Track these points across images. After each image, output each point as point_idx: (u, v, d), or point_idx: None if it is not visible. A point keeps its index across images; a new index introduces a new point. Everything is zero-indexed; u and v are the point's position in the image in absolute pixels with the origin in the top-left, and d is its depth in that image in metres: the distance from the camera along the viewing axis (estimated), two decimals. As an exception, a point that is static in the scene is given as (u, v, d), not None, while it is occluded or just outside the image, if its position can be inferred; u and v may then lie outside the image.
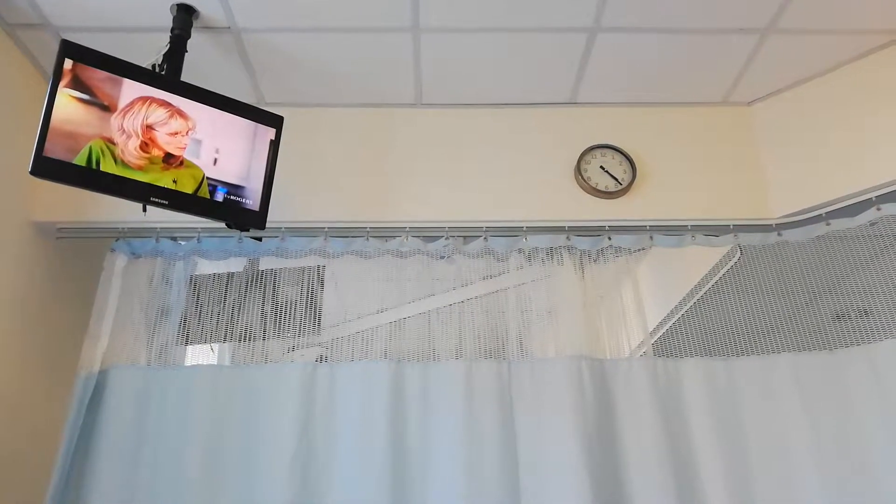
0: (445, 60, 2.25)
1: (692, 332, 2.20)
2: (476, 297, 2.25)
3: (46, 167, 1.69)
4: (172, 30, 2.00)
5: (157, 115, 1.84)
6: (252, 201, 2.00)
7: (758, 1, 2.03)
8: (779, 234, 2.25)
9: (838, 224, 2.18)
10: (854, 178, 2.14)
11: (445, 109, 2.44)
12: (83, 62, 1.76)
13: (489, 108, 2.44)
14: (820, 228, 2.20)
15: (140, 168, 1.80)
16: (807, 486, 1.90)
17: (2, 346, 2.02)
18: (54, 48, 1.79)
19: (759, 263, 2.31)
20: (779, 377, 2.03)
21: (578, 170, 2.32)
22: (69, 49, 1.75)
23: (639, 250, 2.30)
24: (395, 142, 2.39)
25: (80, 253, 2.39)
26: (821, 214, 2.21)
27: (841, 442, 1.93)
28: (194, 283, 2.27)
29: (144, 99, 1.82)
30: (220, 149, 1.95)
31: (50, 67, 2.00)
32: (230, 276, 2.27)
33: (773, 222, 2.28)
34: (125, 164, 1.78)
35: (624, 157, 2.34)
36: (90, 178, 1.75)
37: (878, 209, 2.10)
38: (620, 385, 2.05)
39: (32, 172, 1.68)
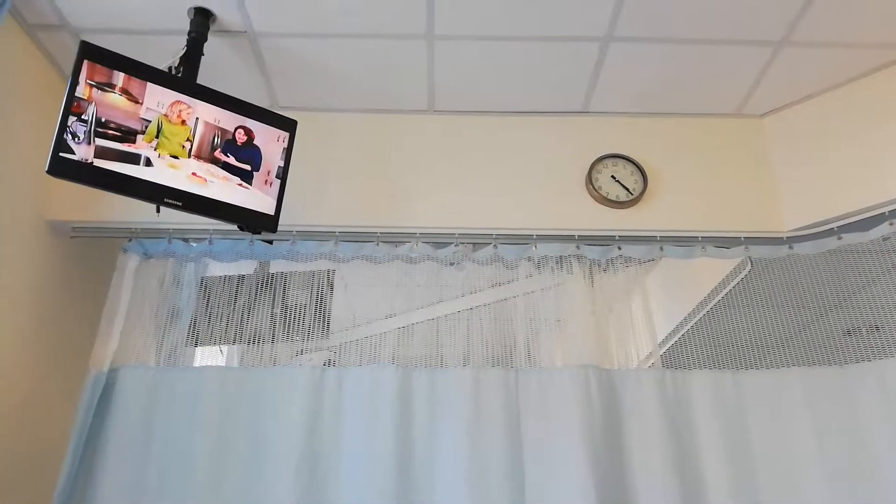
0: (458, 68, 2.26)
1: (701, 344, 2.19)
2: (484, 305, 2.25)
3: (63, 166, 1.71)
4: (189, 33, 2.02)
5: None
6: (264, 204, 2.01)
7: (772, 13, 2.03)
8: (790, 248, 2.24)
9: (850, 238, 2.17)
10: (867, 192, 2.13)
11: (457, 116, 2.45)
12: (101, 63, 1.78)
13: (501, 115, 2.45)
14: (831, 242, 2.19)
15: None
16: (815, 501, 1.88)
17: (14, 343, 2.04)
18: (73, 49, 1.81)
19: (770, 276, 2.30)
20: (788, 391, 2.02)
21: (589, 179, 2.32)
22: (88, 50, 1.77)
23: (649, 261, 2.30)
24: (407, 148, 2.40)
25: (94, 252, 2.41)
26: (832, 228, 2.20)
27: (850, 458, 1.91)
28: (205, 284, 2.28)
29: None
30: (234, 152, 1.97)
31: (68, 68, 2.03)
32: (241, 278, 2.28)
33: (784, 235, 2.27)
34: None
35: (635, 168, 2.34)
36: (105, 177, 1.77)
37: (891, 224, 2.08)
38: (628, 396, 2.05)
39: (49, 171, 1.70)
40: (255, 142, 2.00)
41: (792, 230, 2.26)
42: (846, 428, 1.94)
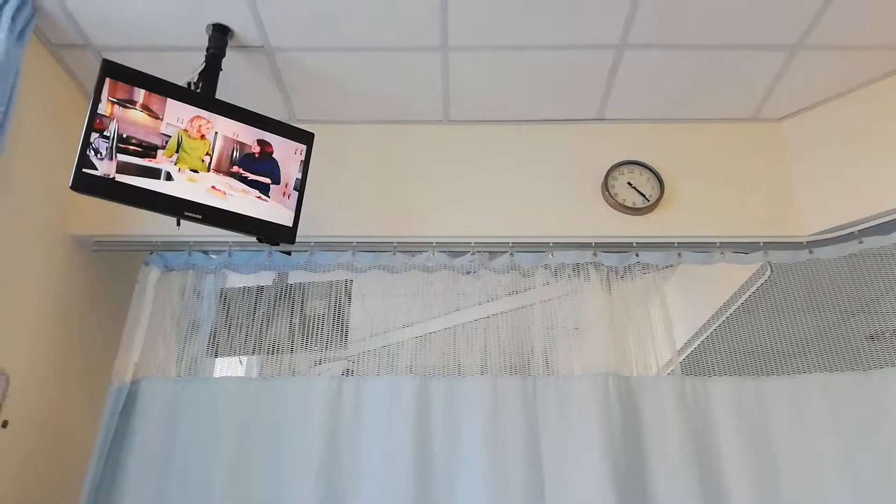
0: (473, 78, 2.27)
1: (721, 351, 2.17)
2: (502, 313, 2.25)
3: (86, 182, 1.75)
4: (208, 49, 2.06)
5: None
6: (282, 216, 2.03)
7: (788, 17, 2.02)
8: (810, 252, 2.22)
9: (871, 242, 2.14)
10: (887, 195, 2.11)
11: (473, 126, 2.46)
12: (122, 81, 1.82)
13: (516, 124, 2.46)
14: (852, 246, 2.17)
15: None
16: (840, 509, 1.86)
17: (38, 355, 2.08)
18: (95, 67, 1.85)
19: (790, 281, 2.28)
20: (810, 398, 2.00)
21: (606, 186, 2.31)
22: (109, 68, 1.81)
23: (667, 267, 2.29)
24: (423, 158, 2.42)
25: (115, 265, 2.45)
26: (853, 232, 2.18)
27: (874, 465, 1.88)
28: (224, 296, 2.31)
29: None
30: (253, 164, 2.00)
31: (91, 86, 2.07)
32: (260, 289, 2.30)
33: (803, 240, 2.25)
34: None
35: (651, 174, 2.34)
36: (126, 192, 1.80)
37: (913, 227, 2.06)
38: (648, 403, 2.03)
39: (73, 187, 1.73)
40: (273, 155, 2.03)
41: (811, 234, 2.24)
42: (870, 434, 1.91)
